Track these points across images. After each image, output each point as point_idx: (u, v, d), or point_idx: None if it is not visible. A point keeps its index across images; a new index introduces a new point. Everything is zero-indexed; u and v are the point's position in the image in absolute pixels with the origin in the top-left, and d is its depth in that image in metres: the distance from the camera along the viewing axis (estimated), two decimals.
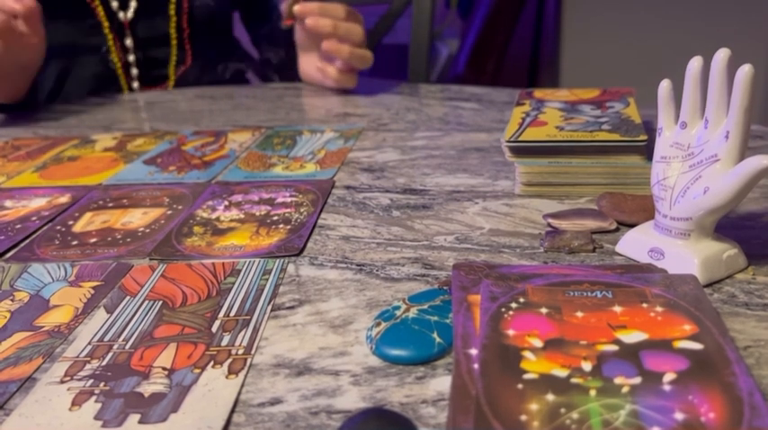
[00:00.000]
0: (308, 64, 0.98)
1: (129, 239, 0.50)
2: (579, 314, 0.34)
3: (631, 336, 0.32)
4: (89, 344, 0.37)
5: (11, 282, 0.45)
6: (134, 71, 1.02)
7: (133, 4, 1.00)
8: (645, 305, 0.35)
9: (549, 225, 0.48)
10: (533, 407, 0.28)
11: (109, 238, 0.51)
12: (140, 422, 0.31)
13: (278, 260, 0.46)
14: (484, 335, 0.33)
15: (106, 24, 0.99)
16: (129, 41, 1.01)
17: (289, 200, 0.56)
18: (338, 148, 0.69)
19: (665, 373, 0.30)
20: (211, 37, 1.08)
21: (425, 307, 0.37)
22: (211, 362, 0.35)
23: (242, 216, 0.53)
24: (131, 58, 1.02)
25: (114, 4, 0.99)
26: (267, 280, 0.43)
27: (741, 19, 1.77)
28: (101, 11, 0.98)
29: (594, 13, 1.99)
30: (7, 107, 0.91)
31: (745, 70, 0.36)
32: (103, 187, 0.62)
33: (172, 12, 1.02)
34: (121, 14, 0.99)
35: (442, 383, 0.32)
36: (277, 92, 0.97)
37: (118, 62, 1.01)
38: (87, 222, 0.54)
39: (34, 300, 0.43)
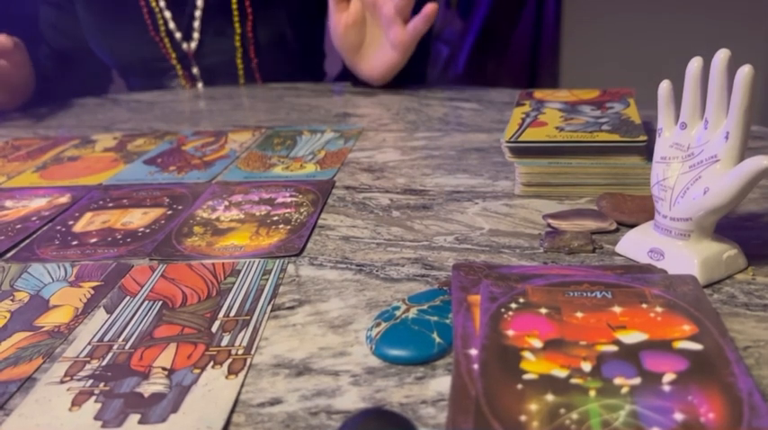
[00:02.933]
0: (370, 59, 0.91)
1: (129, 239, 0.50)
2: (579, 314, 0.34)
3: (631, 337, 0.32)
4: (89, 344, 0.37)
5: (11, 282, 0.45)
6: None
7: (196, 35, 1.00)
8: (644, 305, 0.35)
9: (549, 225, 0.48)
10: (533, 407, 0.28)
11: (109, 238, 0.51)
12: (140, 422, 0.31)
13: (278, 260, 0.46)
14: (484, 335, 0.33)
15: (173, 55, 1.01)
16: (195, 70, 1.03)
17: (289, 200, 0.56)
18: (338, 149, 0.69)
19: (665, 374, 0.30)
20: (277, 67, 1.06)
21: (425, 307, 0.37)
22: (211, 363, 0.35)
23: (242, 216, 0.53)
24: (199, 85, 1.04)
25: (178, 35, 0.99)
26: (267, 280, 0.43)
27: (741, 19, 1.76)
28: (167, 42, 1.00)
29: (594, 14, 1.99)
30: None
31: (744, 71, 0.36)
32: (103, 187, 0.62)
33: (237, 44, 1.01)
34: (185, 45, 0.99)
35: (441, 383, 0.32)
36: (277, 92, 0.97)
37: (187, 86, 1.04)
38: (87, 222, 0.54)
39: (34, 300, 0.43)
